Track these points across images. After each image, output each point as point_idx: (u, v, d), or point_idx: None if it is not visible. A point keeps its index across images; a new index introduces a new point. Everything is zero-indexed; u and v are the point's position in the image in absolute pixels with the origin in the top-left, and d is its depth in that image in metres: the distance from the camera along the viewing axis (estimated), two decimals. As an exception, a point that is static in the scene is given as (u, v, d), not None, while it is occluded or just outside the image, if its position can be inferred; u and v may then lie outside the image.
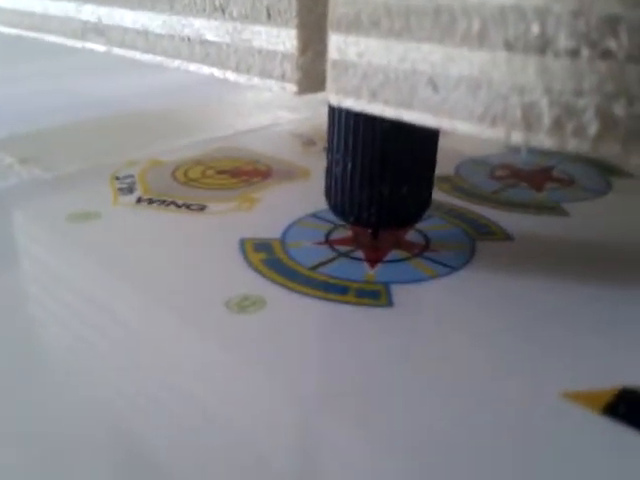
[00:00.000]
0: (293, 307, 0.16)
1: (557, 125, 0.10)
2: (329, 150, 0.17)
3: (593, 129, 0.10)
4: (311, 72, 0.14)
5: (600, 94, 0.10)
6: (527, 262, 0.18)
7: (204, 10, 0.16)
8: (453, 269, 0.18)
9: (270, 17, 0.14)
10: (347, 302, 0.16)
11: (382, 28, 0.12)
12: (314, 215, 0.21)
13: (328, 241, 0.19)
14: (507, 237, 0.20)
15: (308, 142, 0.29)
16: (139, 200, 0.22)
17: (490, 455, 0.11)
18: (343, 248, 0.19)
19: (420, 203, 0.17)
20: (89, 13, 0.20)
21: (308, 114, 0.34)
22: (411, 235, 0.20)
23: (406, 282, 0.17)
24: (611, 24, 0.10)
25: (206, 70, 0.16)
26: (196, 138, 0.30)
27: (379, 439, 0.12)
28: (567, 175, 0.25)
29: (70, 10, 0.21)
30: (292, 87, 0.14)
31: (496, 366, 0.14)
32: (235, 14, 0.15)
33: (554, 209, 0.22)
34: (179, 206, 0.22)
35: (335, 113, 0.16)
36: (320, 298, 0.16)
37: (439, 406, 0.13)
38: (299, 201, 0.22)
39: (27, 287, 0.18)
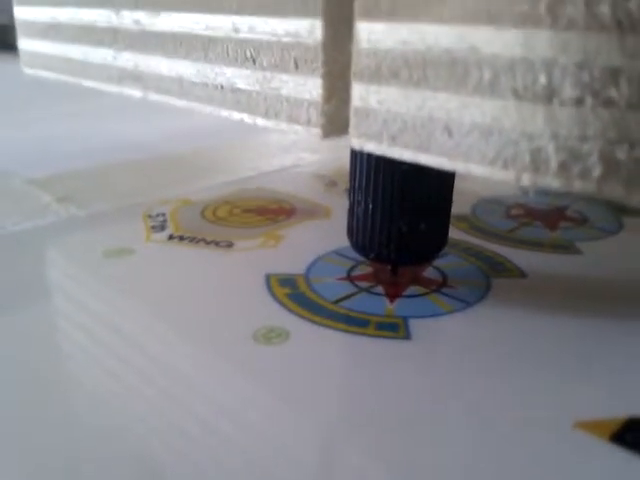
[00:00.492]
0: (316, 339, 0.17)
1: (563, 168, 0.11)
2: (351, 191, 0.18)
3: (597, 172, 0.11)
4: (335, 118, 0.15)
5: (603, 139, 0.11)
6: (540, 298, 0.19)
7: (236, 60, 0.17)
8: (469, 304, 0.18)
9: (297, 67, 0.15)
10: (367, 334, 0.17)
11: (401, 78, 0.13)
12: (336, 252, 0.22)
13: (350, 277, 0.20)
14: (521, 274, 0.20)
15: (330, 182, 0.31)
16: (170, 237, 0.24)
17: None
18: (364, 284, 0.20)
19: (437, 241, 0.18)
20: (126, 60, 0.21)
21: (329, 156, 0.35)
22: (429, 272, 0.20)
23: (424, 316, 0.18)
24: (612, 75, 0.11)
25: (237, 116, 0.17)
26: (223, 179, 0.31)
27: (397, 469, 0.12)
28: (580, 215, 0.26)
29: (108, 57, 0.22)
30: (317, 132, 0.15)
31: (509, 397, 0.15)
32: (265, 64, 0.16)
33: (567, 247, 0.23)
34: (208, 243, 0.23)
35: (357, 156, 0.17)
36: (342, 330, 0.17)
37: (455, 436, 0.13)
38: (322, 239, 0.23)
39: (63, 319, 0.18)
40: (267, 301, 0.19)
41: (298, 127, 0.16)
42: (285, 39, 0.15)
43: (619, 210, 0.27)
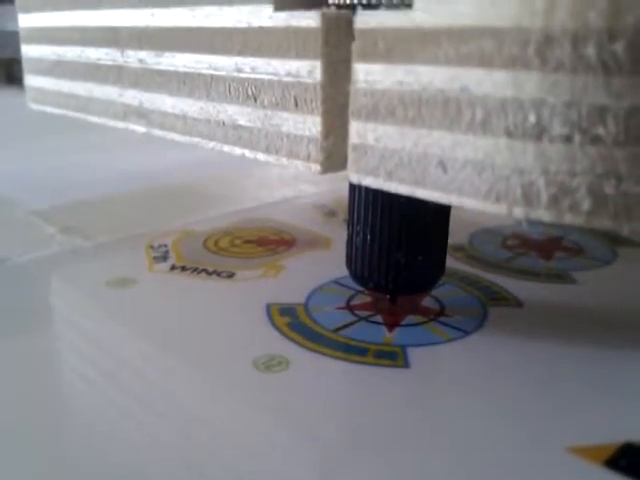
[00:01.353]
0: (316, 367, 0.17)
1: (554, 202, 0.12)
2: (350, 222, 0.18)
3: (586, 205, 0.12)
4: (333, 154, 0.16)
5: (592, 174, 0.11)
6: (536, 327, 0.19)
7: (238, 98, 0.18)
8: (466, 333, 0.19)
9: (297, 105, 0.16)
10: (366, 363, 0.17)
11: (397, 116, 0.14)
12: (336, 282, 0.22)
13: (349, 306, 0.20)
14: (518, 303, 0.21)
15: (329, 213, 0.31)
16: (173, 267, 0.24)
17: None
18: (363, 313, 0.20)
19: (434, 271, 0.19)
20: (131, 97, 0.22)
21: (329, 187, 0.36)
22: (427, 301, 0.21)
23: (422, 345, 0.18)
24: (599, 113, 0.11)
25: (238, 151, 0.18)
26: (225, 210, 0.31)
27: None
28: (576, 245, 0.27)
29: (113, 94, 0.23)
30: (316, 167, 0.16)
31: (505, 422, 0.15)
32: (266, 102, 0.17)
33: (562, 277, 0.23)
34: (210, 273, 0.23)
35: (355, 189, 0.18)
36: (341, 359, 0.17)
37: (451, 461, 0.14)
38: (322, 268, 0.23)
39: (66, 349, 0.19)
40: (267, 330, 0.19)
41: (298, 163, 0.16)
42: (286, 78, 0.16)
43: (614, 240, 0.27)
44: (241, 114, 0.18)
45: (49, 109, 0.28)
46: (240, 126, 0.18)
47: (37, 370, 0.17)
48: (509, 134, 0.12)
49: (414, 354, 0.18)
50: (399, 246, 0.17)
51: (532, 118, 0.12)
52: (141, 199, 0.34)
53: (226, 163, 0.41)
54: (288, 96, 0.16)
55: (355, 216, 0.18)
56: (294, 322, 0.19)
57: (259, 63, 0.17)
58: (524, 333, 0.19)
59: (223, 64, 0.18)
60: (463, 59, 0.12)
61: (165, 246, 0.26)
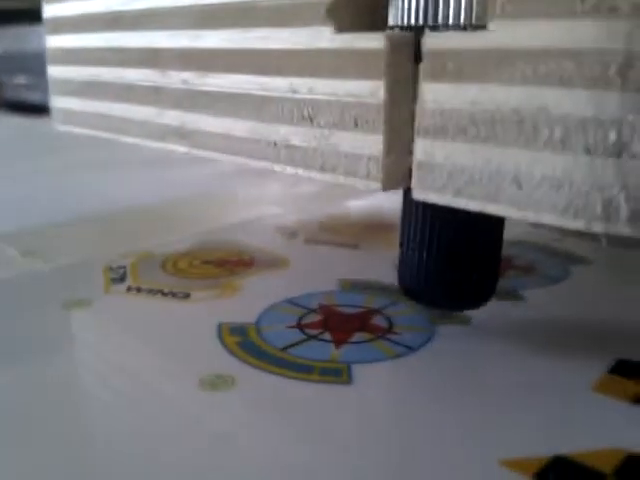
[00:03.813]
0: (261, 385, 0.17)
1: (635, 216, 0.12)
2: (403, 239, 0.19)
3: (667, 220, 0.12)
4: (394, 172, 0.16)
5: (671, 190, 0.12)
6: (481, 344, 0.20)
7: (292, 119, 0.18)
8: (412, 350, 0.19)
9: (357, 125, 0.16)
10: (311, 380, 0.18)
11: (468, 135, 0.14)
12: (289, 301, 0.23)
13: (300, 325, 0.21)
14: (465, 321, 0.21)
15: (290, 234, 0.32)
16: (129, 289, 0.24)
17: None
18: (313, 331, 0.20)
19: (487, 288, 0.19)
20: (172, 119, 0.22)
21: (292, 208, 0.37)
22: (376, 319, 0.21)
23: (367, 361, 0.19)
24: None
25: (290, 170, 0.18)
26: (188, 232, 0.32)
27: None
28: (527, 263, 0.27)
29: (151, 115, 0.23)
30: (376, 185, 0.16)
31: (440, 436, 0.15)
32: (323, 123, 0.17)
33: (511, 295, 0.23)
34: (165, 294, 0.24)
35: (410, 204, 0.18)
36: (287, 377, 0.18)
37: (387, 472, 0.14)
38: (277, 288, 0.24)
39: (21, 369, 0.19)
40: (216, 349, 0.19)
41: (356, 180, 0.17)
42: (345, 99, 0.16)
43: (568, 259, 0.27)
44: (295, 134, 0.18)
45: (78, 130, 0.28)
46: (293, 146, 0.18)
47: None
48: (588, 151, 0.12)
49: (358, 370, 0.18)
50: (454, 264, 0.18)
51: (612, 136, 0.12)
52: (105, 221, 0.34)
53: (189, 185, 0.43)
54: (347, 117, 0.16)
55: (412, 232, 0.18)
56: (244, 341, 0.20)
57: (317, 84, 0.17)
58: (468, 350, 0.19)
59: (276, 85, 0.18)
60: (541, 79, 0.13)
61: (123, 268, 0.26)
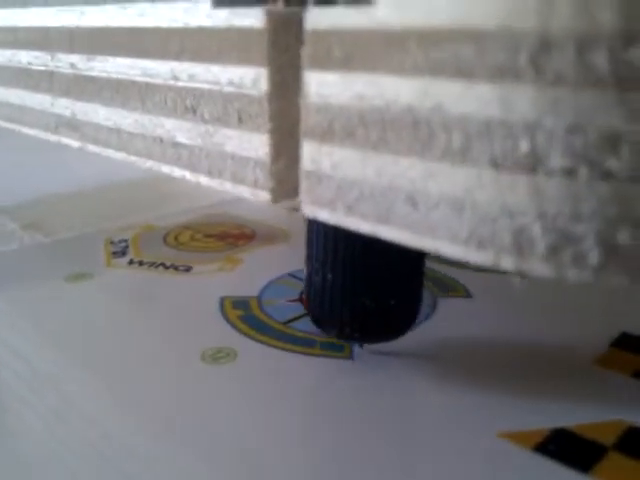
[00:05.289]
0: (262, 358, 0.17)
1: (553, 252, 0.09)
2: (308, 258, 0.16)
3: (594, 258, 0.09)
4: (285, 180, 0.13)
5: (601, 219, 0.09)
6: (485, 318, 0.20)
7: (175, 110, 0.15)
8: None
9: (241, 121, 0.13)
10: (313, 354, 0.17)
11: (357, 139, 0.11)
12: (291, 274, 0.23)
13: (301, 298, 0.20)
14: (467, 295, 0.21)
15: (292, 207, 0.29)
16: (131, 262, 0.24)
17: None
18: None
19: (408, 315, 0.16)
20: (64, 108, 0.19)
21: None
22: None
23: None
24: (611, 140, 0.09)
25: (178, 173, 0.15)
26: (188, 205, 0.31)
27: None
28: None
29: (45, 103, 0.20)
30: (265, 195, 0.13)
31: (442, 409, 0.15)
32: (207, 116, 0.14)
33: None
34: (167, 267, 0.24)
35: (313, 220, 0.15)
36: (289, 350, 0.18)
37: (386, 447, 0.14)
38: (278, 262, 0.24)
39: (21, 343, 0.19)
40: (219, 323, 0.19)
41: (244, 189, 0.14)
42: (227, 89, 0.13)
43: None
44: (180, 130, 0.15)
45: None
46: (179, 144, 0.15)
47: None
48: (495, 165, 0.09)
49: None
50: (366, 289, 0.15)
51: (524, 145, 0.09)
52: (105, 195, 0.34)
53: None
54: (231, 110, 0.13)
55: (315, 252, 0.15)
56: (246, 315, 0.20)
57: (197, 70, 0.14)
58: (471, 323, 0.19)
59: (158, 70, 0.15)
60: (435, 69, 0.10)
61: (125, 241, 0.26)
